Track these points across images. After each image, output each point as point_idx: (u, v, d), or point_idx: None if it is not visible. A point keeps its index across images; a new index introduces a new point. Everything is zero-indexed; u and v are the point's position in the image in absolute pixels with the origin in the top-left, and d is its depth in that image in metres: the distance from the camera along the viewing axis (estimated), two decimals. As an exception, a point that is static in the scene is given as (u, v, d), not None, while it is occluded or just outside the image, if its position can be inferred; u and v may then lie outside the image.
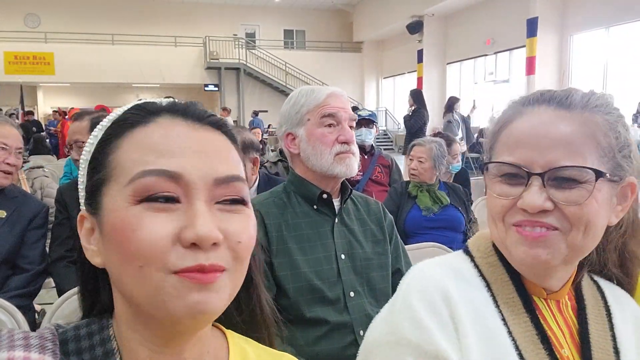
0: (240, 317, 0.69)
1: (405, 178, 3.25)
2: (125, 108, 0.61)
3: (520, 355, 0.70)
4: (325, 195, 1.47)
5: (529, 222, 0.71)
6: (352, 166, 1.45)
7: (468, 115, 9.51)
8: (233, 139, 0.62)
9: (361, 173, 3.48)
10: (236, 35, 19.27)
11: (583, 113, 0.72)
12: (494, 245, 0.80)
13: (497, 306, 0.74)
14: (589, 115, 0.72)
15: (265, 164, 3.39)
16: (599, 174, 0.69)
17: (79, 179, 0.61)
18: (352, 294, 1.41)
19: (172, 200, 0.54)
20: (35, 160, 4.62)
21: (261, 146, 8.90)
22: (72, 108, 11.42)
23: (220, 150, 0.59)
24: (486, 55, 14.90)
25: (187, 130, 0.58)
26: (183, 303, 0.52)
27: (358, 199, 1.60)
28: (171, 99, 0.62)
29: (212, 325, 0.65)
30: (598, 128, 0.71)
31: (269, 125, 15.28)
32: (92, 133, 0.60)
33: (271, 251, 1.38)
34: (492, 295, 0.75)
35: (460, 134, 7.70)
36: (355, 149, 1.47)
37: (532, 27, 11.89)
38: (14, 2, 17.69)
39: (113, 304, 0.60)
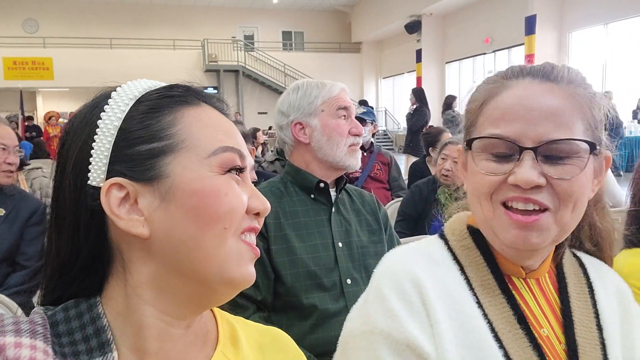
0: None
1: (405, 177, 3.24)
2: (152, 84, 0.63)
3: (496, 337, 0.69)
4: (322, 185, 1.49)
5: (520, 198, 0.68)
6: (359, 159, 1.53)
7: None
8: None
9: (360, 170, 3.48)
10: (234, 37, 19.31)
11: (568, 86, 0.71)
12: (468, 227, 0.78)
13: (472, 289, 0.72)
14: (573, 89, 0.71)
15: (263, 164, 3.40)
16: (592, 147, 0.68)
17: (95, 149, 0.57)
18: (349, 281, 1.42)
19: (239, 174, 0.62)
20: (34, 163, 4.64)
21: (261, 148, 8.95)
22: (72, 112, 11.46)
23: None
24: (485, 53, 14.91)
25: (228, 120, 0.65)
26: (241, 271, 0.59)
27: (352, 191, 1.63)
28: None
29: None
30: (583, 101, 0.71)
31: (269, 127, 15.29)
32: (113, 104, 0.59)
33: (269, 238, 1.39)
34: (466, 278, 0.73)
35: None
36: (360, 141, 1.55)
37: (530, 24, 11.91)
38: (12, 7, 17.74)
39: (100, 285, 0.60)
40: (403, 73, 18.75)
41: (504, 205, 0.70)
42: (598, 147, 0.70)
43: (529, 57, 12.04)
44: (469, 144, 0.73)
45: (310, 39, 20.96)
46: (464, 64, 16.29)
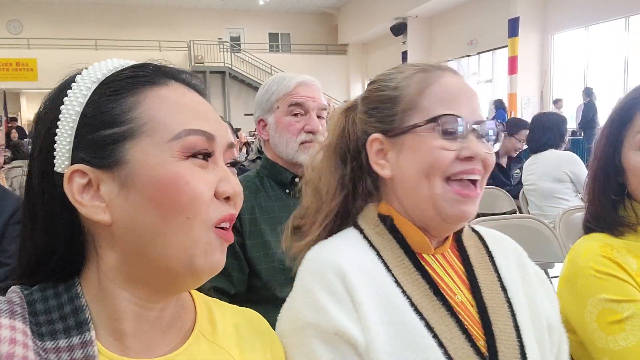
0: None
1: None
2: (118, 64, 0.61)
3: (416, 310, 0.74)
4: (297, 179, 1.49)
5: (468, 171, 0.76)
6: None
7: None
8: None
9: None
10: (221, 39, 19.24)
11: (468, 80, 0.84)
12: (379, 215, 0.84)
13: (389, 270, 0.78)
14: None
15: (244, 163, 3.40)
16: (503, 126, 0.78)
17: (58, 136, 0.57)
18: None
19: (207, 158, 0.59)
20: (15, 163, 4.60)
21: (245, 148, 8.92)
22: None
23: (216, 116, 0.64)
24: (469, 55, 15.02)
25: (195, 96, 0.63)
26: (209, 260, 0.58)
27: None
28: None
29: None
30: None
31: (255, 129, 15.27)
32: (76, 88, 0.58)
33: (244, 233, 1.39)
34: (383, 261, 0.79)
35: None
36: (321, 139, 1.48)
37: (513, 27, 12.02)
38: (-4, 8, 17.51)
39: (76, 266, 0.60)
40: (389, 75, 18.84)
41: (447, 182, 0.77)
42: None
43: (513, 59, 12.17)
44: (432, 120, 0.77)
45: (296, 40, 20.96)
46: (449, 66, 16.41)
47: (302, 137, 1.46)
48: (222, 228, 0.59)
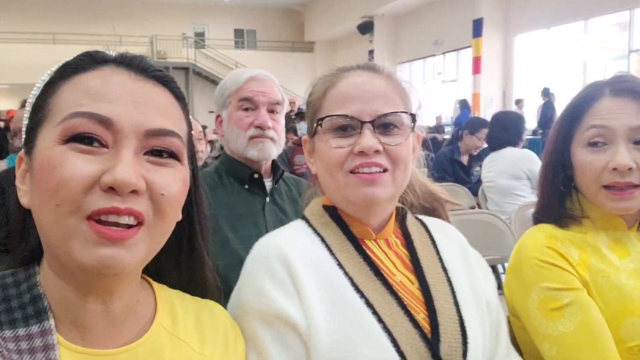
0: (180, 275, 0.73)
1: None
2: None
3: (357, 289, 0.80)
4: (256, 175, 1.48)
5: (366, 163, 0.82)
6: (267, 151, 1.47)
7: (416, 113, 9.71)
8: (178, 96, 0.66)
9: (306, 165, 3.49)
10: (184, 34, 18.97)
11: (388, 75, 0.89)
12: (324, 206, 0.91)
13: (333, 254, 0.84)
14: (391, 77, 0.90)
15: (207, 160, 3.36)
16: (414, 117, 0.87)
17: (23, 127, 0.62)
18: None
19: (99, 144, 0.55)
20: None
21: (209, 146, 8.83)
22: (11, 110, 11.01)
23: (159, 104, 0.61)
24: (435, 55, 15.28)
25: (128, 80, 0.59)
26: (91, 255, 0.54)
27: (291, 180, 1.62)
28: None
29: (142, 277, 0.68)
30: (400, 87, 0.89)
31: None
32: (39, 82, 0.62)
33: None
34: (327, 246, 0.85)
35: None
36: (273, 134, 1.47)
37: (477, 27, 12.30)
38: (-52, 0, 16.78)
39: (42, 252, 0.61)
40: (356, 73, 18.96)
41: (351, 173, 0.83)
42: (416, 122, 0.88)
43: (477, 59, 12.44)
44: (319, 123, 0.86)
45: (263, 37, 20.87)
46: (415, 65, 16.64)
47: (251, 132, 1.44)
48: (103, 222, 0.54)
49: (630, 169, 0.92)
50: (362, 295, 0.79)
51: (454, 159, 4.15)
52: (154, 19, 18.91)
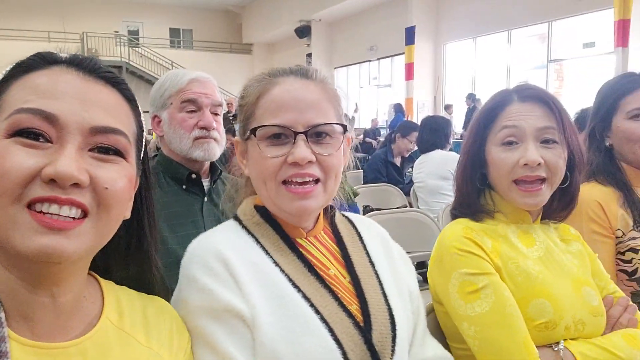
0: (127, 272, 0.75)
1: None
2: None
3: (294, 285, 0.84)
4: (194, 176, 1.50)
5: (299, 174, 0.84)
6: (211, 151, 1.49)
7: (352, 117, 9.92)
8: (128, 97, 0.68)
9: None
10: (117, 32, 18.28)
11: (321, 83, 0.91)
12: (255, 207, 0.93)
13: (268, 254, 0.87)
14: (324, 85, 0.91)
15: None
16: (345, 128, 0.90)
17: None
18: None
19: (44, 139, 0.57)
20: None
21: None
22: None
23: (106, 103, 0.63)
24: (370, 60, 15.62)
25: (77, 79, 0.62)
26: (31, 244, 0.55)
27: (229, 180, 1.63)
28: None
29: (89, 274, 0.69)
30: (332, 95, 0.91)
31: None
32: None
33: None
34: (262, 246, 0.88)
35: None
36: (216, 135, 1.50)
37: (410, 35, 12.68)
38: None
39: None
40: (294, 76, 19.00)
41: (284, 183, 0.85)
42: (347, 131, 0.90)
43: (409, 65, 12.84)
44: (252, 132, 0.87)
45: (199, 37, 20.46)
46: (351, 70, 16.93)
47: (196, 133, 1.46)
48: (44, 213, 0.56)
49: (539, 164, 1.02)
50: (299, 290, 0.83)
51: (387, 161, 4.30)
52: (86, 16, 18.04)
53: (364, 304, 0.87)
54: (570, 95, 11.11)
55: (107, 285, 0.72)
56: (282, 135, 0.86)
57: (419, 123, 4.66)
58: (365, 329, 0.84)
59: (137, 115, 0.70)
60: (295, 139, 0.84)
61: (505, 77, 11.70)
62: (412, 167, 4.19)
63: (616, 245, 1.32)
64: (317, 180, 0.87)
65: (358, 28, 15.59)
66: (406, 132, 4.23)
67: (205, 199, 1.52)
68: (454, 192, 1.19)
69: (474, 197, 1.13)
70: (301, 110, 0.85)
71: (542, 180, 1.04)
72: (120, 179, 0.62)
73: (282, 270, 0.85)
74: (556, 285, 1.01)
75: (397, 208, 3.39)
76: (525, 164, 1.03)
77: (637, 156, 1.36)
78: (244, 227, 0.91)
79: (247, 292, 0.80)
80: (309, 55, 16.77)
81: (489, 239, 1.05)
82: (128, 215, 0.68)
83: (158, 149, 3.38)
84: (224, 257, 0.82)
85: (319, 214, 0.95)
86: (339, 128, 0.89)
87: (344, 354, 0.79)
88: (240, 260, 0.83)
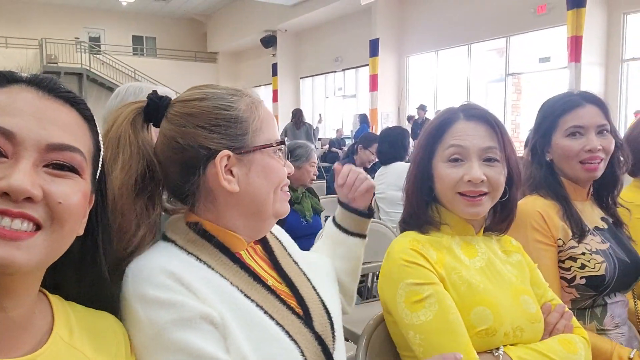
0: (80, 290, 0.74)
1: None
2: None
3: (245, 295, 0.86)
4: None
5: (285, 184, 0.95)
6: None
7: (316, 127, 10.00)
8: (87, 117, 0.70)
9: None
10: (78, 38, 17.90)
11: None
12: (187, 224, 0.90)
13: (212, 268, 0.86)
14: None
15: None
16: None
17: None
18: None
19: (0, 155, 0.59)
20: None
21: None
22: None
23: (63, 121, 0.64)
24: (335, 71, 15.79)
25: (35, 98, 0.63)
26: None
27: None
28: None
29: (39, 290, 0.69)
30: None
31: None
32: None
33: None
34: (205, 263, 0.86)
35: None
36: None
37: (374, 47, 12.90)
38: None
39: None
40: (260, 85, 18.98)
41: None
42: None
43: (374, 77, 13.04)
44: (263, 147, 0.91)
45: (163, 45, 20.23)
46: (317, 80, 17.06)
47: None
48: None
49: (482, 181, 1.09)
50: (251, 300, 0.86)
51: (350, 172, 4.36)
52: (45, 22, 17.60)
53: (301, 301, 0.94)
54: (527, 107, 11.52)
55: (56, 300, 0.72)
56: (284, 151, 0.95)
57: (375, 134, 4.75)
58: (310, 325, 0.90)
59: (94, 134, 0.71)
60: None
61: (465, 89, 12.03)
62: (372, 178, 4.26)
63: (558, 254, 1.39)
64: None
65: (324, 39, 15.75)
66: (368, 144, 4.31)
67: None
68: (404, 204, 1.24)
69: (422, 209, 1.18)
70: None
71: (485, 193, 1.11)
72: (74, 194, 0.63)
73: (231, 283, 0.86)
74: (496, 294, 1.07)
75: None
76: (469, 180, 1.09)
77: (575, 172, 1.44)
78: (179, 247, 0.87)
79: (209, 302, 0.81)
80: (275, 65, 16.83)
81: (434, 251, 1.10)
82: (81, 232, 0.69)
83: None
84: (173, 273, 0.80)
85: None
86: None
87: (302, 352, 0.85)
88: (190, 275, 0.82)
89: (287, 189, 0.96)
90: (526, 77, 11.61)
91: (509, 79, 11.24)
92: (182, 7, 18.92)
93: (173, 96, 1.54)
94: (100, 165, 0.73)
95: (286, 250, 1.04)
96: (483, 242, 1.18)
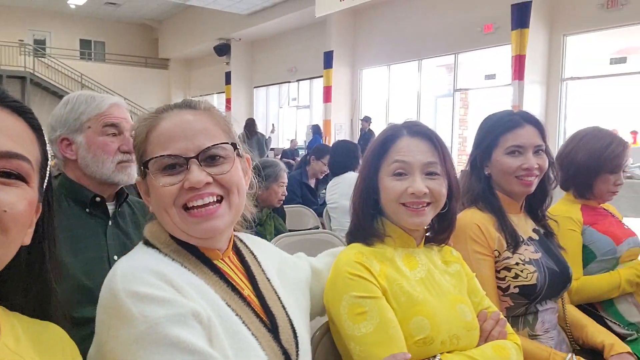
0: (26, 300, 0.74)
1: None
2: None
3: (227, 304, 0.90)
4: (98, 199, 1.48)
5: (199, 195, 0.89)
6: (132, 174, 1.51)
7: (269, 137, 10.01)
8: (34, 126, 0.70)
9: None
10: (22, 40, 17.18)
11: (206, 111, 0.97)
12: (170, 235, 0.94)
13: (197, 276, 0.91)
14: (210, 112, 0.97)
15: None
16: (234, 147, 0.95)
17: None
18: None
19: None
20: None
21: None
22: None
23: (9, 130, 0.65)
24: (290, 82, 15.86)
25: None
26: None
27: (135, 203, 1.63)
28: None
29: None
30: (220, 119, 0.98)
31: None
32: None
33: None
34: (189, 270, 0.91)
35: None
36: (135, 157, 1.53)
37: (328, 59, 13.06)
38: None
39: None
40: (213, 93, 18.80)
41: (186, 209, 0.90)
42: (239, 148, 0.96)
43: (327, 88, 13.19)
44: (145, 166, 0.92)
45: (112, 50, 19.71)
46: (271, 90, 17.07)
47: (119, 157, 1.48)
48: None
49: (425, 193, 1.15)
50: (232, 309, 0.90)
51: (302, 182, 4.41)
52: (-14, 22, 16.87)
53: (271, 316, 0.96)
54: (474, 121, 11.95)
55: (1, 311, 0.71)
56: (176, 165, 0.90)
57: (328, 145, 4.82)
58: (278, 340, 0.94)
59: (42, 144, 0.72)
60: (188, 165, 0.89)
61: (416, 103, 12.36)
62: (325, 189, 4.32)
63: (495, 264, 1.47)
64: (220, 199, 0.91)
65: (278, 49, 15.81)
66: (320, 155, 4.36)
67: (110, 222, 1.50)
68: (350, 217, 1.28)
69: (368, 222, 1.22)
70: (189, 137, 0.90)
71: (428, 203, 1.17)
72: (20, 202, 0.63)
73: (215, 291, 0.90)
74: (434, 304, 1.12)
75: (310, 229, 3.48)
76: (413, 193, 1.15)
77: (511, 186, 1.54)
78: (163, 254, 0.92)
79: (198, 303, 0.84)
80: (228, 73, 16.73)
81: (377, 263, 1.14)
82: (27, 242, 0.69)
83: (59, 173, 3.23)
84: (163, 275, 0.84)
85: (231, 234, 1.01)
86: (230, 147, 0.94)
87: None
88: (178, 278, 0.86)
89: (197, 203, 0.91)
90: (473, 93, 12.07)
91: (457, 94, 11.62)
92: (133, 12, 18.52)
93: (124, 104, 1.56)
94: (47, 175, 0.73)
95: (260, 266, 1.06)
96: (424, 253, 1.24)
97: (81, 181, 1.49)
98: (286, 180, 3.04)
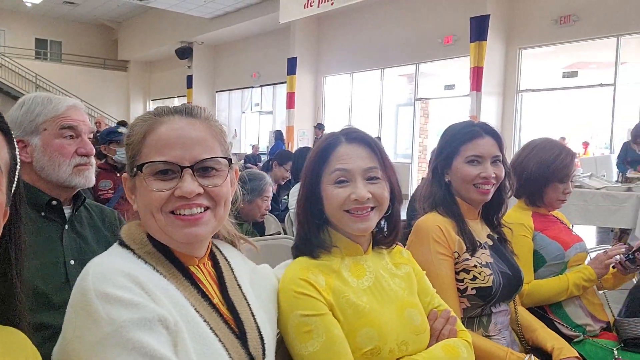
0: None
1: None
2: None
3: (196, 310, 0.90)
4: (54, 202, 1.45)
5: (187, 205, 0.91)
6: (90, 177, 1.50)
7: (231, 142, 9.90)
8: (4, 130, 0.71)
9: (113, 191, 3.38)
10: (-27, 37, 16.51)
11: (205, 120, 0.97)
12: (147, 235, 0.95)
13: (168, 280, 0.91)
14: (209, 122, 0.98)
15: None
16: (230, 162, 0.96)
17: None
18: None
19: None
20: None
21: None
22: None
23: None
24: (253, 87, 15.81)
25: None
26: None
27: (93, 207, 1.60)
28: None
29: None
30: (217, 130, 0.98)
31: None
32: None
33: None
34: (160, 273, 0.91)
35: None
36: (94, 161, 1.52)
37: (292, 65, 13.12)
38: None
39: None
40: (174, 97, 18.54)
41: (172, 213, 0.91)
42: (233, 163, 0.98)
43: (291, 94, 13.22)
44: (139, 168, 0.91)
45: (69, 50, 19.17)
46: (234, 95, 16.97)
47: (77, 160, 1.46)
48: None
49: (368, 198, 1.16)
50: (200, 315, 0.90)
51: (264, 188, 4.40)
52: None
53: (240, 323, 0.97)
54: (434, 129, 12.23)
55: None
56: (169, 171, 0.90)
57: (290, 151, 4.84)
58: (246, 346, 0.95)
59: (11, 147, 0.71)
60: (182, 174, 0.90)
61: (378, 110, 12.54)
62: (287, 195, 4.32)
63: (454, 265, 1.52)
64: (206, 208, 0.93)
65: (242, 54, 15.75)
66: (283, 161, 4.37)
67: (67, 226, 1.47)
68: (296, 229, 1.27)
69: (313, 233, 1.21)
70: (187, 146, 0.91)
71: (372, 208, 1.18)
72: None
73: (184, 296, 0.90)
74: (381, 313, 1.13)
75: (272, 235, 3.48)
76: (356, 199, 1.15)
77: (469, 194, 1.60)
78: (137, 256, 0.92)
79: (166, 308, 0.84)
80: (190, 77, 16.53)
81: (323, 276, 1.13)
82: None
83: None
84: (135, 277, 0.84)
85: (209, 242, 1.01)
86: (225, 161, 0.95)
87: None
88: (149, 281, 0.86)
89: (185, 212, 0.92)
90: (433, 103, 12.35)
91: (417, 104, 11.88)
92: (91, 12, 18.05)
93: (82, 106, 1.53)
94: (16, 180, 0.72)
95: (233, 273, 1.06)
96: (372, 259, 1.24)
97: (36, 184, 1.45)
98: (270, 195, 2.95)
